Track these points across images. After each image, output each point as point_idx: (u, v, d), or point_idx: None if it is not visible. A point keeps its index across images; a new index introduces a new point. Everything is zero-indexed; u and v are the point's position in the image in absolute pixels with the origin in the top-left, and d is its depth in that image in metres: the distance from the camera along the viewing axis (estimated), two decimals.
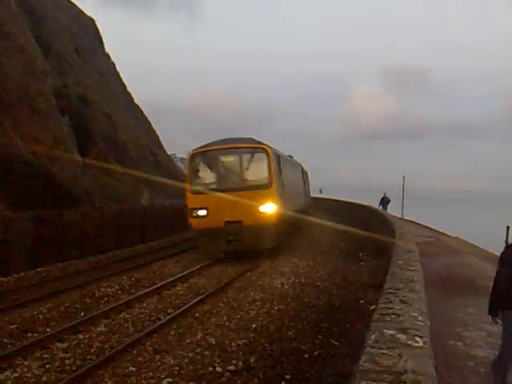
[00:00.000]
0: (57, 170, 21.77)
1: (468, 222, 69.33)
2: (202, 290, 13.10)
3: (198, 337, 9.17)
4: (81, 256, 19.22)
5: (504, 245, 9.71)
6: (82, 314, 11.17)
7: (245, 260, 17.15)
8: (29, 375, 7.59)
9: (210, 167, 17.65)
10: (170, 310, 11.17)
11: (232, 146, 17.55)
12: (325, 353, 8.31)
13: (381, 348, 3.38)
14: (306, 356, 8.21)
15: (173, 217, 27.66)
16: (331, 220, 30.27)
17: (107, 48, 51.31)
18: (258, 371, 7.54)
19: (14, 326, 10.17)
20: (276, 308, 11.11)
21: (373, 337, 3.66)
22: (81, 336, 9.47)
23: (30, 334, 9.72)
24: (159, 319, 10.44)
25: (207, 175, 17.65)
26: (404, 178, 37.28)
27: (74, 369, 7.79)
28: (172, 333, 9.53)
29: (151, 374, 7.50)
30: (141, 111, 54.25)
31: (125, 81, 53.02)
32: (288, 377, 7.34)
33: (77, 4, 47.11)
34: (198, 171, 17.70)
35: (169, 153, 59.55)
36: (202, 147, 17.94)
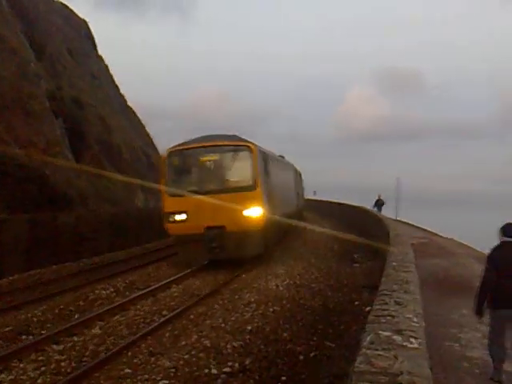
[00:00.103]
0: (51, 172, 21.70)
1: (468, 222, 68.96)
2: (197, 292, 13.06)
3: (193, 339, 9.15)
4: (75, 258, 19.13)
5: None
6: (77, 316, 11.12)
7: (239, 262, 17.07)
8: (24, 377, 7.57)
9: (189, 167, 16.51)
10: (164, 312, 11.13)
11: (213, 143, 16.13)
12: (320, 354, 8.32)
13: (376, 349, 3.41)
14: (302, 358, 8.21)
15: None
16: (324, 221, 30.11)
17: (100, 51, 51.28)
18: (253, 373, 7.54)
19: (9, 328, 10.13)
20: (271, 310, 11.10)
21: (368, 338, 3.69)
22: (76, 338, 9.45)
23: (24, 337, 9.68)
24: (154, 321, 10.40)
25: (186, 176, 16.50)
26: (398, 179, 37.50)
27: (69, 371, 7.76)
28: (167, 335, 9.50)
29: (146, 376, 7.48)
30: (134, 114, 54.10)
31: (118, 83, 52.94)
32: (284, 378, 7.35)
33: (69, 6, 47.11)
34: (175, 171, 16.39)
35: None
36: (180, 145, 16.47)
